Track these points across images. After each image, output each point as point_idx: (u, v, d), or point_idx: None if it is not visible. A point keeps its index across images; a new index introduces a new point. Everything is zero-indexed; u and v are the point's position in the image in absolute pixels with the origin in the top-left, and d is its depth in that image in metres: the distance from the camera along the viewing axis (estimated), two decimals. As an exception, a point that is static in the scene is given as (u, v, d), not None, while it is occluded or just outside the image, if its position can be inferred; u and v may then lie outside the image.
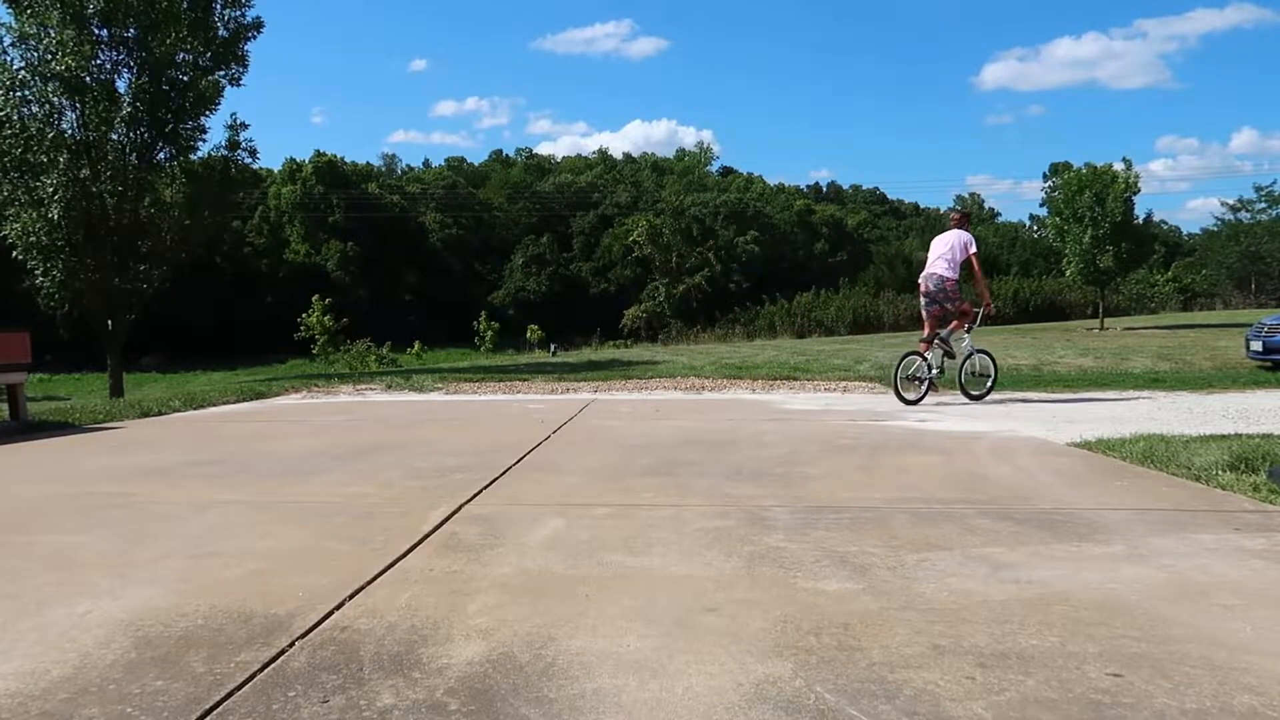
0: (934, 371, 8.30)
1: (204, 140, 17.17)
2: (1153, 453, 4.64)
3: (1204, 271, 49.75)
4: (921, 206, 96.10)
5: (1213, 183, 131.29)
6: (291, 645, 2.08)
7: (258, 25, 17.16)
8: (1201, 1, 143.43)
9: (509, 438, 5.82)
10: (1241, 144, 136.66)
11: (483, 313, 39.77)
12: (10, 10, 15.35)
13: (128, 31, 15.69)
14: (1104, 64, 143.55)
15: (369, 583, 2.57)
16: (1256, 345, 12.59)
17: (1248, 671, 1.84)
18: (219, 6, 16.75)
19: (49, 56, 15.08)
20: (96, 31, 15.66)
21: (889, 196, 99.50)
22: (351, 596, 2.45)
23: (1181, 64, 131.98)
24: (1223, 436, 5.25)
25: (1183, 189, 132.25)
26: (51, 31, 15.01)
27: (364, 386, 11.49)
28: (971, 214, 10.60)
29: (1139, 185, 25.37)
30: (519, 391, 10.58)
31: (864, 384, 10.76)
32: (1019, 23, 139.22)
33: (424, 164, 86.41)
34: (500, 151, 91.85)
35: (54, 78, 15.12)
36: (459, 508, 3.60)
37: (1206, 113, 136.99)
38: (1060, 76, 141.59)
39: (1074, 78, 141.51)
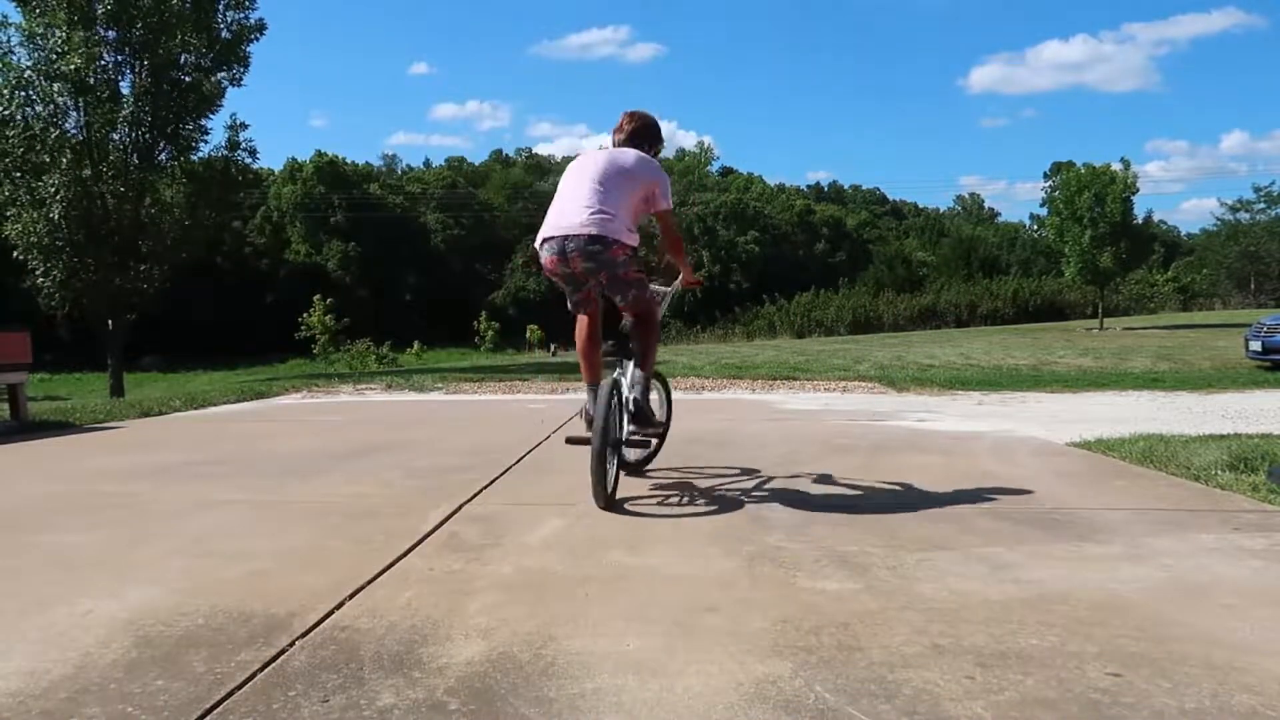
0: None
1: (205, 141, 17.21)
2: (1152, 453, 4.64)
3: (1204, 271, 49.75)
4: (921, 206, 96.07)
5: (1205, 184, 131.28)
6: (292, 645, 2.08)
7: (260, 27, 17.21)
8: (1190, 5, 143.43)
9: (509, 438, 5.82)
10: (1232, 145, 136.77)
11: (483, 313, 39.68)
12: (19, 9, 15.39)
13: (133, 32, 15.73)
14: (1094, 67, 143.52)
15: (369, 582, 2.58)
16: (1256, 345, 12.61)
17: (1247, 671, 1.84)
18: (222, 8, 16.80)
19: (55, 56, 15.10)
20: (103, 32, 15.70)
21: (889, 197, 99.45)
22: (352, 596, 2.45)
23: (1171, 68, 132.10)
24: (1222, 436, 5.25)
25: (1177, 190, 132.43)
26: (59, 32, 15.04)
27: (364, 386, 11.49)
28: (658, 127, 4.06)
29: (1137, 185, 25.42)
30: (519, 391, 10.58)
31: (864, 384, 10.78)
32: (1002, 27, 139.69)
33: (424, 164, 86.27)
34: (500, 151, 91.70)
35: (60, 77, 15.14)
36: (459, 507, 3.60)
37: (1196, 115, 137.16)
38: (1050, 80, 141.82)
39: (1064, 81, 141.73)
